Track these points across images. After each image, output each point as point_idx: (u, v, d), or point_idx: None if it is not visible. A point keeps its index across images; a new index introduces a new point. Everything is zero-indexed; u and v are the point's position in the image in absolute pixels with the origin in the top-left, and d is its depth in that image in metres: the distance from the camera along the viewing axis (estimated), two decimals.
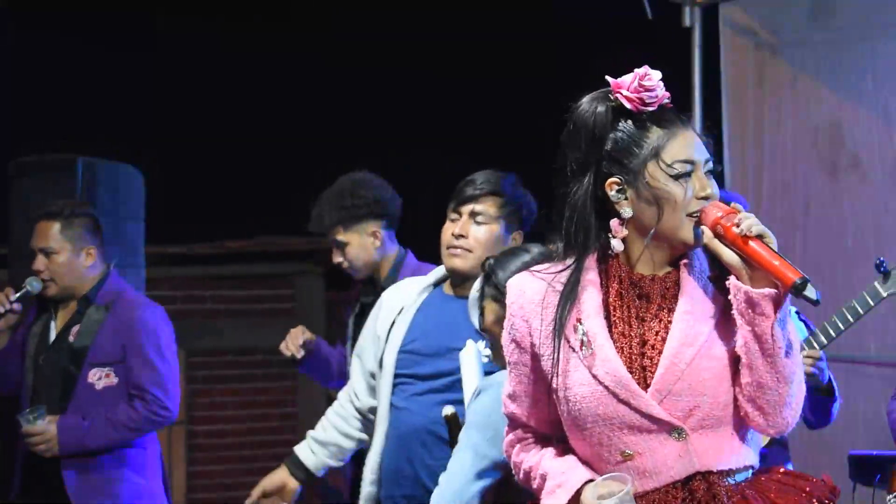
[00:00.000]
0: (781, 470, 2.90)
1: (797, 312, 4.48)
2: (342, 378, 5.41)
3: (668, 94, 2.82)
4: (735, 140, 6.43)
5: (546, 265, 2.92)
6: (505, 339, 2.94)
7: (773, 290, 2.68)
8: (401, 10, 8.62)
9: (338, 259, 5.47)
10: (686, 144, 2.81)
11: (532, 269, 2.95)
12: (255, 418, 9.65)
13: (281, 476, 4.58)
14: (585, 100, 2.87)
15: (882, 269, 4.28)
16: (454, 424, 3.88)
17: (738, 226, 2.71)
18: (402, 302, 4.38)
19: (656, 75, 2.82)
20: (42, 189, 6.07)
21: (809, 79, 6.16)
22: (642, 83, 2.80)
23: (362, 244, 5.43)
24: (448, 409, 3.94)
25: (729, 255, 2.72)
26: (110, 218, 6.11)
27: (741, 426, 2.80)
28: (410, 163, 7.48)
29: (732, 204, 2.79)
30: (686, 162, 2.80)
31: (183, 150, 8.93)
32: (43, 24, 8.64)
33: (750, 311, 2.69)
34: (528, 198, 4.40)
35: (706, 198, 2.80)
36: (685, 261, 2.83)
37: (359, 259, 5.43)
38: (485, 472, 3.56)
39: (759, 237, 2.71)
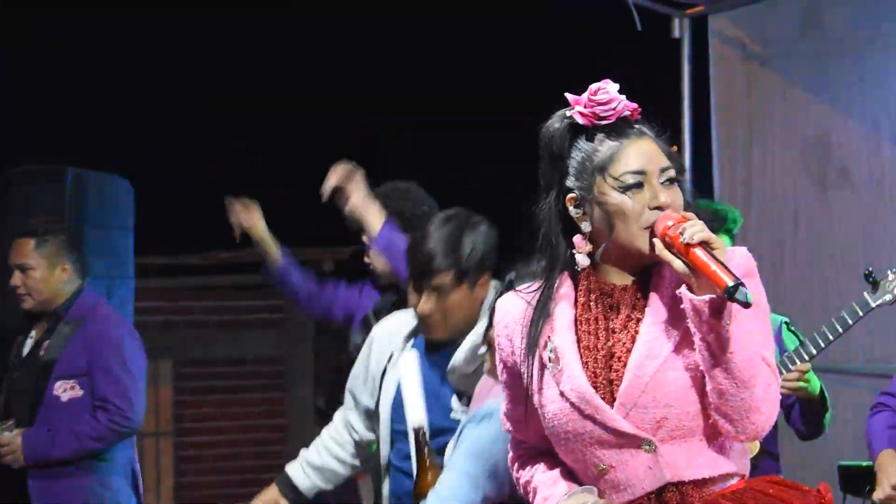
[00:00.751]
0: (775, 479, 2.88)
1: (785, 323, 4.48)
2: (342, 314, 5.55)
3: (631, 105, 2.81)
4: (724, 151, 6.44)
5: (528, 284, 2.92)
6: (496, 359, 2.97)
7: (713, 297, 2.65)
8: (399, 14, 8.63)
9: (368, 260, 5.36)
10: (637, 154, 2.79)
11: (517, 288, 2.96)
12: (243, 429, 9.63)
13: (272, 495, 4.59)
14: (552, 118, 2.90)
15: (871, 278, 4.28)
16: (422, 442, 3.79)
17: (682, 234, 2.70)
18: (391, 346, 4.36)
19: (612, 88, 2.81)
20: (31, 200, 6.07)
21: (798, 90, 6.17)
22: (593, 98, 2.81)
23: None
24: (416, 423, 3.87)
25: (678, 265, 2.70)
26: (99, 229, 6.11)
27: (716, 435, 2.77)
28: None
29: (683, 213, 2.76)
30: (636, 173, 2.78)
31: (172, 160, 8.93)
32: (33, 36, 8.64)
33: (696, 318, 2.68)
34: (478, 238, 4.29)
35: (659, 207, 2.76)
36: (657, 269, 2.81)
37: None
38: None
39: (704, 244, 2.69)
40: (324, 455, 4.57)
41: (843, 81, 6.05)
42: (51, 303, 5.46)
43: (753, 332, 2.71)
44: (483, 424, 3.55)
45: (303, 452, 4.62)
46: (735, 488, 2.78)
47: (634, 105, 2.82)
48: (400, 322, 4.41)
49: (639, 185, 2.78)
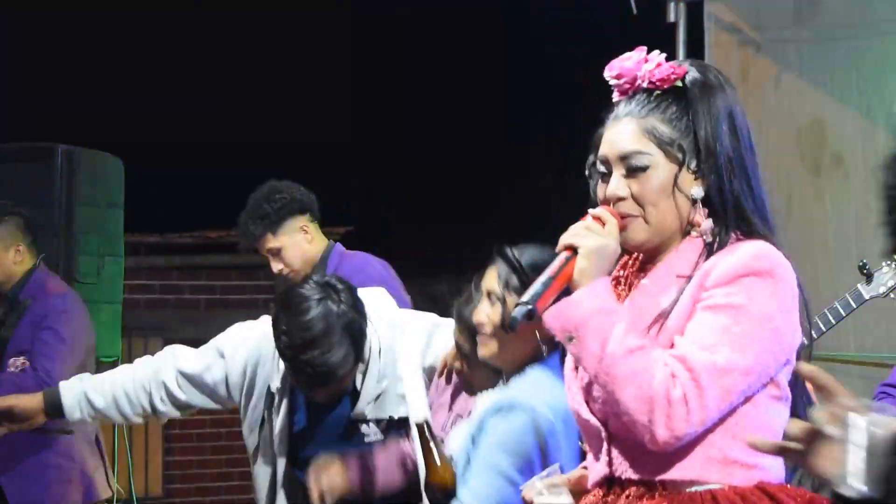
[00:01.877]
0: (761, 487, 2.59)
1: None
2: None
3: (646, 75, 2.65)
4: None
5: None
6: None
7: (545, 312, 2.56)
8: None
9: (277, 267, 5.45)
10: (606, 140, 2.67)
11: None
12: (231, 409, 9.62)
13: (33, 406, 4.35)
14: None
15: (865, 271, 4.27)
16: (426, 436, 3.59)
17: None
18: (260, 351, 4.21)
19: (630, 58, 2.68)
20: (21, 177, 6.04)
21: (793, 76, 6.16)
22: (608, 70, 2.70)
23: (295, 243, 5.45)
24: (420, 416, 3.67)
25: None
26: (89, 206, 6.09)
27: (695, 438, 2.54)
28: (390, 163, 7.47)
29: (596, 211, 2.63)
30: (602, 162, 2.67)
31: (163, 138, 8.90)
32: (22, 10, 8.60)
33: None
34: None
35: (606, 201, 2.65)
36: (657, 262, 2.68)
37: (296, 258, 5.44)
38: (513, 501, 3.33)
39: (571, 248, 2.59)
40: (109, 402, 4.32)
41: (839, 67, 6.04)
42: (4, 284, 5.47)
43: (608, 335, 2.51)
44: (510, 417, 3.40)
45: (88, 382, 4.35)
46: (690, 496, 2.56)
47: (652, 75, 2.66)
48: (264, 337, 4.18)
49: (606, 175, 2.67)
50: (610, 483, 2.65)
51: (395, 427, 4.09)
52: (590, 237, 2.59)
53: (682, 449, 2.53)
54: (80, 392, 4.30)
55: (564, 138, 8.74)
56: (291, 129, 8.95)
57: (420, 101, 8.98)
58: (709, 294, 2.54)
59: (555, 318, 2.57)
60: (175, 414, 4.36)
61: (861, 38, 5.98)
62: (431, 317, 4.27)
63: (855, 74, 5.99)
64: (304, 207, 5.46)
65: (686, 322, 2.55)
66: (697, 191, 2.63)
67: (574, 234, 2.60)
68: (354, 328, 3.93)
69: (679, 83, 2.66)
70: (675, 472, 2.55)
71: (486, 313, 3.47)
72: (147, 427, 9.36)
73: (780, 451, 2.20)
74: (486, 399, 3.53)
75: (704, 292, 2.55)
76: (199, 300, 9.52)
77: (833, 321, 4.30)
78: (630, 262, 2.75)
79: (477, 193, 9.02)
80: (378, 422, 4.09)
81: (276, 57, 9.04)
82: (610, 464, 2.64)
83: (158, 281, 9.41)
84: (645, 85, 2.66)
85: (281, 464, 4.16)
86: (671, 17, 6.44)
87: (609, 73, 2.69)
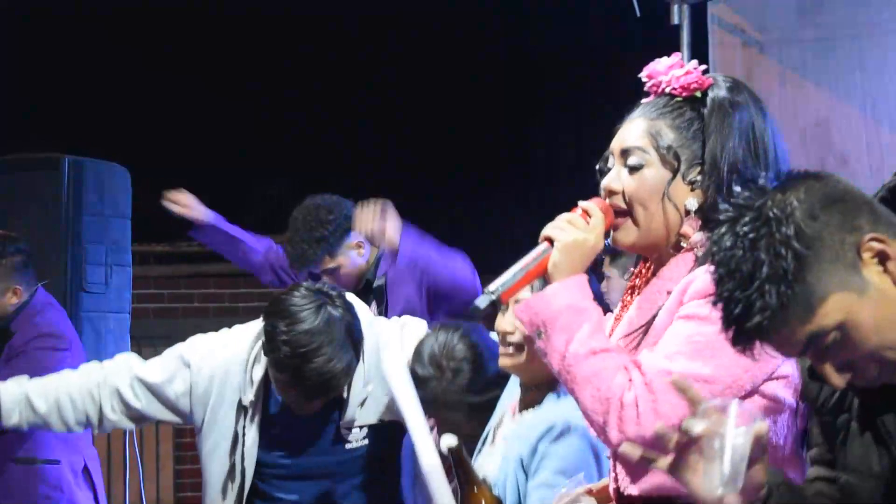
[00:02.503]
0: None
1: None
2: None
3: (671, 79, 2.67)
4: None
5: None
6: None
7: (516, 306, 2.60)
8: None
9: (331, 284, 5.40)
10: (617, 135, 2.69)
11: None
12: None
13: None
14: None
15: None
16: (460, 458, 3.43)
17: None
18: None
19: (663, 62, 2.71)
20: (28, 187, 6.05)
21: (797, 77, 6.15)
22: (644, 69, 2.73)
23: (351, 260, 5.48)
24: (451, 440, 3.48)
25: None
26: (96, 216, 6.09)
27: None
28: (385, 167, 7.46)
29: (585, 205, 2.64)
30: (610, 154, 2.69)
31: (170, 147, 8.91)
32: (29, 24, 8.62)
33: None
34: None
35: (607, 194, 2.67)
36: (656, 276, 2.68)
37: (353, 275, 5.49)
38: None
39: (549, 240, 2.61)
40: (51, 407, 4.07)
41: (843, 68, 6.04)
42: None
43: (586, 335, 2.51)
44: (568, 440, 3.36)
45: (31, 385, 4.09)
46: None
47: (672, 79, 2.67)
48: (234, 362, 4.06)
49: (607, 170, 2.69)
50: (619, 497, 2.64)
51: (380, 431, 4.02)
52: (568, 231, 2.60)
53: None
54: (21, 395, 4.04)
55: (568, 139, 8.75)
56: (297, 137, 8.97)
57: (419, 99, 8.99)
58: (684, 307, 2.54)
59: (524, 311, 2.58)
60: (125, 425, 4.13)
61: (865, 38, 5.97)
62: (395, 318, 4.25)
63: (859, 75, 5.99)
64: (352, 223, 5.43)
65: (661, 336, 2.55)
66: (691, 202, 2.62)
67: (554, 226, 2.62)
68: (354, 332, 3.86)
69: (699, 94, 2.67)
70: (669, 489, 2.47)
71: (512, 322, 3.38)
72: (158, 435, 9.37)
73: (645, 461, 2.23)
74: (529, 421, 3.45)
75: (681, 306, 2.54)
76: (208, 308, 9.53)
77: None
78: (644, 270, 2.75)
79: (486, 194, 9.03)
80: (361, 427, 4.00)
81: (285, 67, 9.06)
82: (616, 479, 2.64)
83: (167, 290, 9.43)
84: (668, 89, 2.67)
85: (248, 483, 4.00)
86: (675, 20, 6.44)
87: (643, 72, 2.72)
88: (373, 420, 4.00)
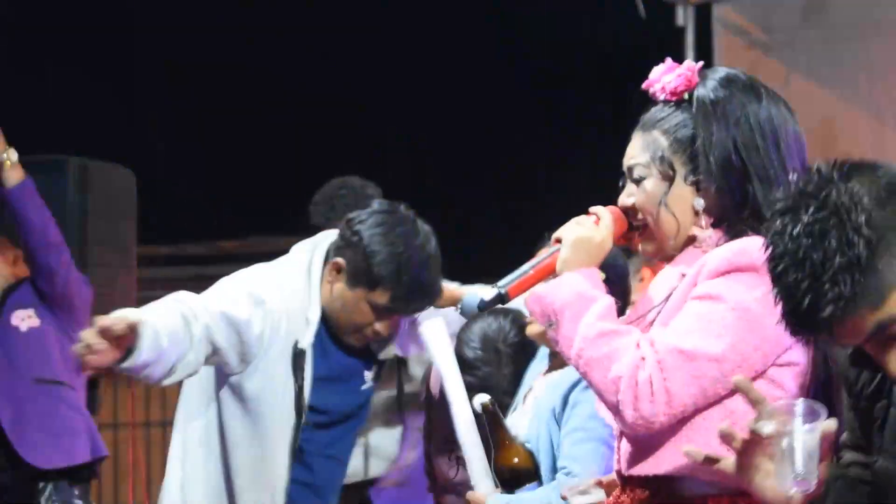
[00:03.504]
0: None
1: None
2: None
3: (663, 87, 2.69)
4: None
5: None
6: None
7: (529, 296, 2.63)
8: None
9: None
10: (627, 150, 2.74)
11: None
12: None
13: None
14: None
15: None
16: (493, 415, 3.49)
17: None
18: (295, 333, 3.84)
19: (658, 69, 2.72)
20: None
21: (802, 78, 6.17)
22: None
23: None
24: (484, 398, 3.51)
25: None
26: (102, 218, 6.10)
27: (680, 431, 2.55)
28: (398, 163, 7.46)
29: (595, 208, 2.71)
30: (622, 171, 2.75)
31: (176, 149, 8.92)
32: (34, 26, 8.63)
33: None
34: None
35: (624, 211, 2.72)
36: (670, 262, 2.72)
37: None
38: None
39: (558, 241, 2.67)
40: (169, 344, 3.51)
41: (848, 68, 6.05)
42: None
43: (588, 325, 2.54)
44: (578, 409, 3.41)
45: (149, 315, 3.48)
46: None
47: (664, 85, 2.69)
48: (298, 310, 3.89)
49: (624, 184, 2.73)
50: (622, 480, 2.67)
51: (393, 367, 3.98)
52: (574, 229, 2.67)
53: (675, 444, 2.53)
54: (153, 330, 3.45)
55: (570, 142, 8.75)
56: (301, 139, 8.97)
57: (419, 99, 8.99)
58: (696, 287, 2.57)
59: (535, 302, 2.62)
60: (195, 368, 3.65)
61: (869, 39, 5.98)
62: None
63: (864, 75, 6.00)
64: None
65: (675, 316, 2.58)
66: (698, 202, 2.65)
67: (562, 228, 2.67)
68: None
69: (687, 95, 2.68)
70: (670, 469, 2.54)
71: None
72: (164, 438, 9.37)
73: (709, 461, 2.25)
74: (557, 379, 3.50)
75: (694, 287, 2.57)
76: None
77: None
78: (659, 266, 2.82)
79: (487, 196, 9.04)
80: (382, 363, 3.95)
81: (288, 68, 9.07)
82: (619, 460, 2.67)
83: (172, 292, 9.43)
84: (662, 96, 2.70)
85: (296, 427, 3.83)
86: (680, 21, 6.46)
87: (644, 83, 2.74)
88: (392, 355, 3.94)
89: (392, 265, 3.76)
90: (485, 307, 2.66)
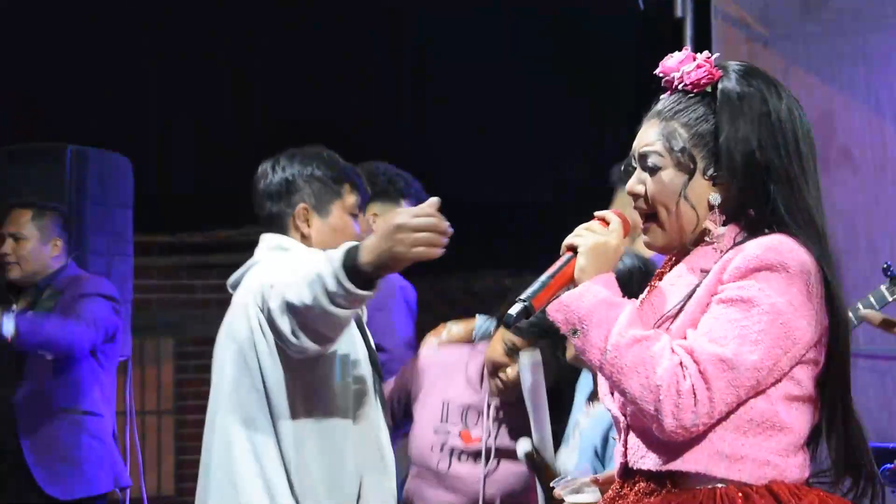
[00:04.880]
0: (769, 487, 2.56)
1: None
2: None
3: (683, 76, 2.67)
4: None
5: None
6: None
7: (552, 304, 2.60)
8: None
9: None
10: (637, 136, 2.72)
11: None
12: None
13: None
14: None
15: (889, 272, 4.26)
16: (536, 461, 3.54)
17: None
18: None
19: (674, 57, 2.71)
20: (30, 177, 6.06)
21: (801, 71, 6.16)
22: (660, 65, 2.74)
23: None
24: (525, 445, 3.57)
25: None
26: (99, 206, 6.11)
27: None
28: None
29: (604, 214, 2.70)
30: (632, 156, 2.72)
31: (173, 137, 8.91)
32: (30, 11, 8.62)
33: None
34: None
35: (632, 196, 2.71)
36: (684, 259, 2.70)
37: None
38: None
39: (571, 249, 2.66)
40: None
41: (847, 62, 6.04)
42: (36, 275, 5.54)
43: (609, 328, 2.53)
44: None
45: None
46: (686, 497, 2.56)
47: (684, 75, 2.68)
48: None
49: (633, 169, 2.72)
50: (626, 474, 2.67)
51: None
52: (588, 236, 2.65)
53: (691, 441, 2.54)
54: None
55: (572, 132, 8.76)
56: (299, 129, 8.95)
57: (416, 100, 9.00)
58: (723, 287, 2.55)
59: (558, 311, 2.59)
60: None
61: (869, 32, 5.98)
62: None
63: (863, 68, 5.99)
64: None
65: (700, 315, 2.57)
66: (714, 197, 2.64)
67: (574, 235, 2.66)
68: None
69: (709, 88, 2.67)
70: (682, 464, 2.55)
71: None
72: (159, 426, 9.39)
73: None
74: (596, 416, 3.51)
75: (721, 285, 2.56)
76: (210, 299, 9.52)
77: (855, 322, 4.29)
78: (672, 259, 2.78)
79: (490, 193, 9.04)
80: None
81: (287, 57, 9.06)
82: (626, 454, 2.66)
83: (169, 280, 9.43)
84: (681, 86, 2.68)
85: (374, 375, 3.76)
86: (678, 13, 6.44)
87: (658, 69, 2.73)
88: None
89: (330, 164, 3.88)
90: (513, 322, 2.63)
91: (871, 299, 4.30)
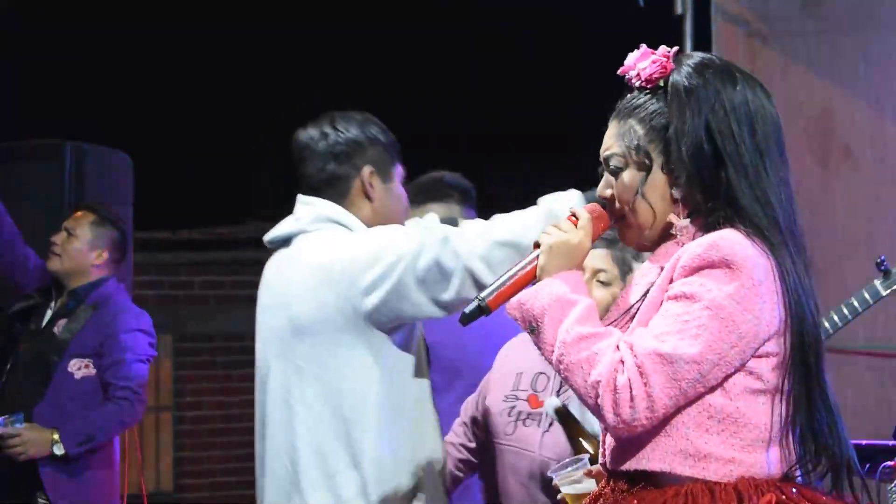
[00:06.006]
0: (735, 485, 2.54)
1: None
2: None
3: (639, 74, 2.67)
4: None
5: None
6: None
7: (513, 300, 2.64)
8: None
9: None
10: (604, 141, 2.74)
11: None
12: (242, 404, 9.64)
13: None
14: None
15: (882, 267, 4.26)
16: (566, 417, 3.53)
17: None
18: None
19: (633, 54, 2.70)
20: (30, 174, 6.06)
21: (801, 68, 6.15)
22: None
23: None
24: (555, 401, 3.54)
25: None
26: (98, 203, 6.09)
27: (673, 429, 2.56)
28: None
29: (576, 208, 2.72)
30: (599, 161, 2.74)
31: (172, 134, 8.91)
32: (30, 11, 8.62)
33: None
34: None
35: (601, 199, 2.72)
36: (651, 255, 2.72)
37: None
38: None
39: (536, 246, 2.69)
40: None
41: (847, 59, 6.04)
42: (73, 277, 5.57)
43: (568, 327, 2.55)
44: None
45: None
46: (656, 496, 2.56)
47: (643, 72, 2.67)
48: None
49: (602, 174, 2.72)
50: (608, 472, 2.69)
51: None
52: (552, 234, 2.67)
53: (656, 441, 2.56)
54: None
55: (569, 129, 8.76)
56: (299, 125, 8.96)
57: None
58: (672, 285, 2.57)
59: (516, 309, 2.64)
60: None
61: (869, 29, 5.97)
62: None
63: (863, 65, 5.98)
64: None
65: (654, 312, 2.59)
66: (676, 190, 2.64)
67: (542, 233, 2.69)
68: None
69: (662, 82, 2.67)
70: (649, 464, 2.56)
71: (603, 259, 3.57)
72: (158, 423, 9.39)
73: None
74: None
75: (670, 283, 2.58)
76: (209, 296, 9.54)
77: (849, 316, 4.29)
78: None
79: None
80: None
81: (286, 53, 9.06)
82: (604, 453, 2.69)
83: (168, 277, 9.44)
84: (637, 84, 2.68)
85: (426, 350, 3.67)
86: (678, 10, 6.44)
87: (620, 69, 2.73)
88: None
89: (384, 129, 3.72)
90: (466, 321, 2.66)
91: (866, 294, 4.29)
